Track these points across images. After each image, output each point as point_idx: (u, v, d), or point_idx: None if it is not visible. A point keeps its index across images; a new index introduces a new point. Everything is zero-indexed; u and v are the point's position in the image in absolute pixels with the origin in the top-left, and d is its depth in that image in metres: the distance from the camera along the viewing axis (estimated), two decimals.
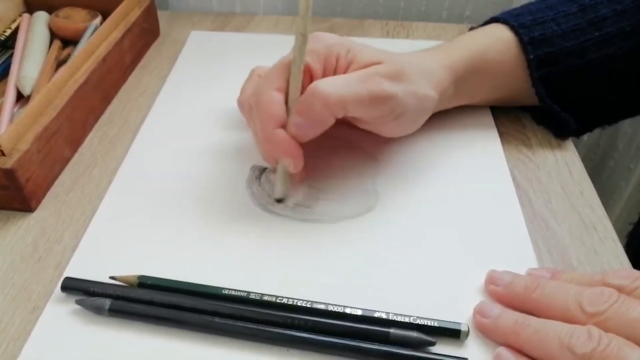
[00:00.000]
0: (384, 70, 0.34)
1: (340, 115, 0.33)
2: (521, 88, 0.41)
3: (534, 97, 0.41)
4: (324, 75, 0.34)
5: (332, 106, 0.32)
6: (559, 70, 0.40)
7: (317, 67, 0.34)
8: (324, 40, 0.35)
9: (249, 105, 0.35)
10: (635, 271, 0.28)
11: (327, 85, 0.32)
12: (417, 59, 0.37)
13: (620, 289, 0.26)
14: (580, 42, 0.39)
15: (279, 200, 0.36)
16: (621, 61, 0.40)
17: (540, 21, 0.40)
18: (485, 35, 0.41)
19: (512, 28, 0.40)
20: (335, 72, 0.35)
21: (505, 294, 0.29)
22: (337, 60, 0.35)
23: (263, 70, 0.39)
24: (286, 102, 0.33)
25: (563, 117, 0.40)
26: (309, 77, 0.34)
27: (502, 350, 0.27)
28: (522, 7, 0.42)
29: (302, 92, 0.33)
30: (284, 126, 0.33)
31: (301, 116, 0.32)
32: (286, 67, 0.33)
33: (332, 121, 0.33)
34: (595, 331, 0.25)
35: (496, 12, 0.44)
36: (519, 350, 0.27)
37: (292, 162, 0.33)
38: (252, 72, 0.40)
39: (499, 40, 0.40)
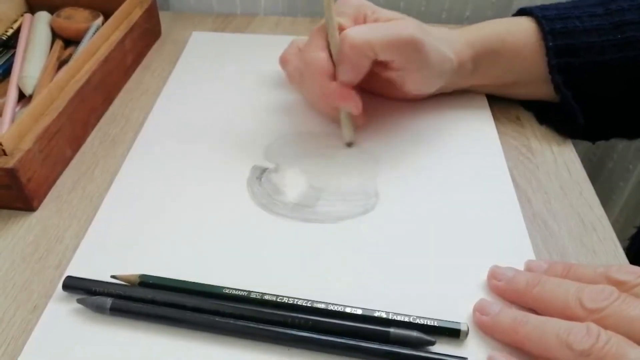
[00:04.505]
0: (412, 21, 0.38)
1: (372, 56, 0.36)
2: (537, 75, 0.41)
3: (548, 87, 0.41)
4: None
5: (359, 47, 0.36)
6: (577, 63, 0.40)
7: (348, 25, 0.38)
8: (350, 3, 0.40)
9: (299, 73, 0.40)
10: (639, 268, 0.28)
11: (354, 30, 0.36)
12: (437, 28, 0.41)
13: (622, 284, 0.26)
14: (601, 41, 0.40)
15: (349, 144, 0.40)
16: None
17: (564, 16, 0.41)
18: (506, 21, 0.43)
19: (536, 18, 0.41)
20: None
21: (507, 289, 0.30)
22: (364, 19, 0.39)
23: (302, 40, 0.42)
24: (332, 59, 0.38)
25: (574, 109, 0.41)
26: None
27: (495, 355, 0.27)
28: (551, 4, 0.43)
29: None
30: (334, 79, 0.37)
31: (341, 62, 0.37)
32: (322, 30, 0.38)
33: (367, 62, 0.37)
34: (594, 328, 0.25)
35: (496, 12, 0.44)
36: (519, 347, 0.27)
37: (352, 105, 0.38)
38: (292, 43, 0.43)
39: (520, 26, 0.42)
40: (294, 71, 0.42)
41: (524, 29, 0.42)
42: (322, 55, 0.37)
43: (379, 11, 0.39)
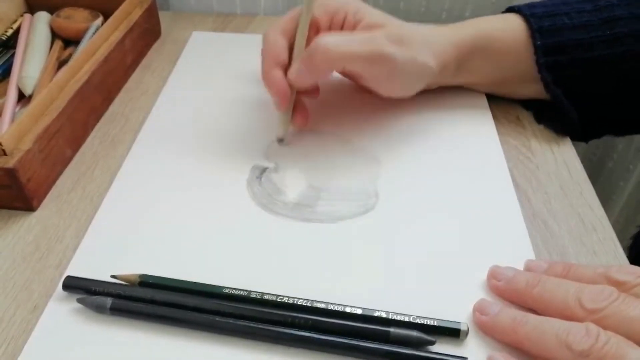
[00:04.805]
0: (388, 33, 0.37)
1: (338, 69, 0.36)
2: (526, 73, 0.41)
3: (538, 86, 0.41)
4: (331, 29, 0.38)
5: (331, 60, 0.35)
6: (565, 61, 0.40)
7: (323, 21, 0.37)
8: None
9: None
10: (639, 268, 0.28)
11: (330, 40, 0.35)
12: (423, 29, 0.40)
13: (622, 284, 0.26)
14: (590, 37, 0.40)
15: (279, 141, 0.40)
16: (631, 62, 0.40)
17: (552, 14, 0.41)
18: (496, 19, 0.43)
19: (524, 16, 0.41)
20: (341, 29, 0.38)
21: (507, 289, 0.30)
22: (344, 19, 0.38)
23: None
24: (292, 50, 0.37)
25: (566, 107, 0.41)
26: (316, 29, 0.37)
27: (495, 355, 0.27)
28: (540, 1, 0.43)
29: (307, 44, 0.36)
30: (284, 68, 0.37)
31: (303, 64, 0.36)
32: (295, 18, 0.37)
33: (328, 73, 0.37)
34: (593, 328, 0.25)
35: (495, 12, 0.44)
36: (518, 347, 0.27)
37: (279, 101, 0.37)
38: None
39: (509, 24, 0.42)
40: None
41: (512, 27, 0.41)
42: (280, 41, 0.37)
43: (362, 12, 0.38)
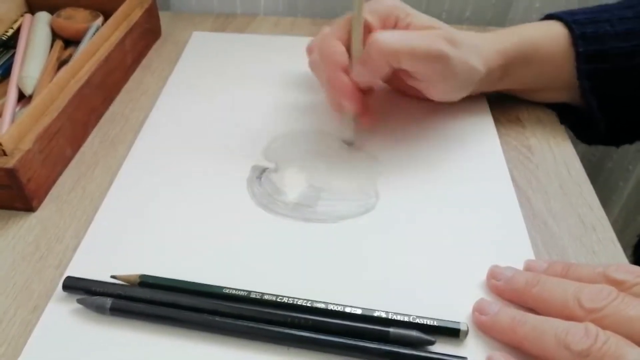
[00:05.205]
0: (443, 33, 0.37)
1: (395, 65, 0.36)
2: (565, 81, 0.41)
3: (575, 92, 0.41)
4: None
5: (387, 54, 0.35)
6: (606, 69, 0.40)
7: (376, 25, 0.37)
8: (384, 2, 0.38)
9: (318, 62, 0.39)
10: (638, 268, 0.28)
11: (385, 36, 0.36)
12: (469, 35, 0.40)
13: (621, 284, 0.27)
14: (631, 45, 0.39)
15: (348, 143, 0.41)
16: None
17: (593, 20, 0.40)
18: (537, 27, 0.42)
19: (566, 23, 0.41)
20: None
21: (506, 289, 0.30)
22: (395, 22, 0.38)
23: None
24: (349, 52, 0.37)
25: (597, 117, 0.41)
26: (369, 33, 0.37)
27: (494, 355, 0.27)
28: (579, 8, 0.43)
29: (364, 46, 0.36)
30: (346, 72, 0.37)
31: (361, 63, 0.36)
32: (347, 22, 0.37)
33: (388, 69, 0.36)
34: (593, 328, 0.25)
35: (496, 13, 0.44)
36: (517, 347, 0.27)
37: (351, 104, 0.37)
38: (321, 31, 0.41)
39: (551, 32, 0.41)
40: (313, 60, 0.41)
41: (555, 35, 0.41)
42: (339, 46, 0.37)
43: (413, 15, 0.38)
